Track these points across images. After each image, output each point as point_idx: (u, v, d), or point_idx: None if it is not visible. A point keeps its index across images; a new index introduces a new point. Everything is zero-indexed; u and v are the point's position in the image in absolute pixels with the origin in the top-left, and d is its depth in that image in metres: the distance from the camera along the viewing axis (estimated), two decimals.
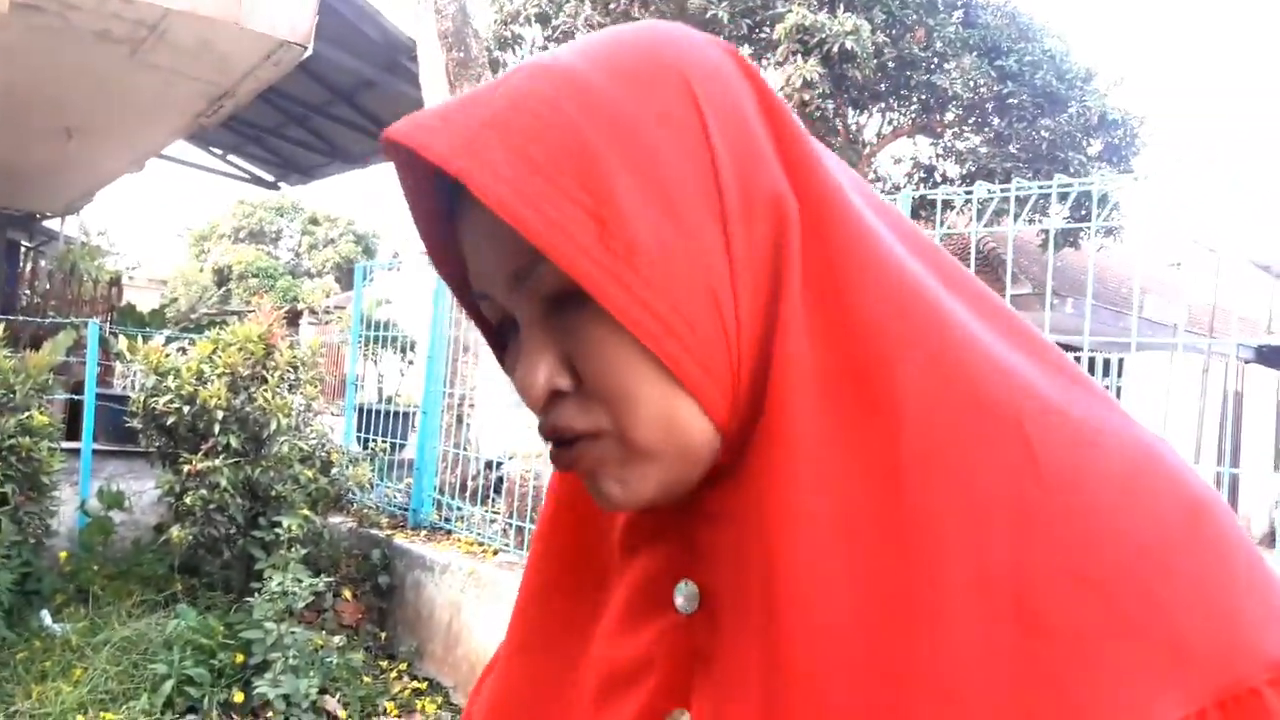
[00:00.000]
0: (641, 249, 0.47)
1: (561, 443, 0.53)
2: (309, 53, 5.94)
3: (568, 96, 0.48)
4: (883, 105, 11.75)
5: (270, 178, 11.71)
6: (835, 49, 9.48)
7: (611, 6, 10.42)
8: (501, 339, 0.58)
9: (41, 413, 4.62)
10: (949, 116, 12.05)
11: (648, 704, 0.54)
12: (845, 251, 0.49)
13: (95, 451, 5.93)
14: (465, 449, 6.04)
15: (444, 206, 0.56)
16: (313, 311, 19.19)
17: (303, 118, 9.46)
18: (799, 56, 9.75)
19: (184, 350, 5.28)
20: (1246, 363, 12.45)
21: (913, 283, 0.49)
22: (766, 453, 0.49)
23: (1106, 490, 0.45)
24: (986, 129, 12.19)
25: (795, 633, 0.47)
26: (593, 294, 0.46)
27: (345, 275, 24.22)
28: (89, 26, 5.75)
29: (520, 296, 0.52)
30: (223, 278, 23.73)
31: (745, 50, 11.30)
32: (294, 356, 5.15)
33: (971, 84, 11.04)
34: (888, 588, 0.45)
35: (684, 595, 0.54)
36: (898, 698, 0.44)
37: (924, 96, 11.28)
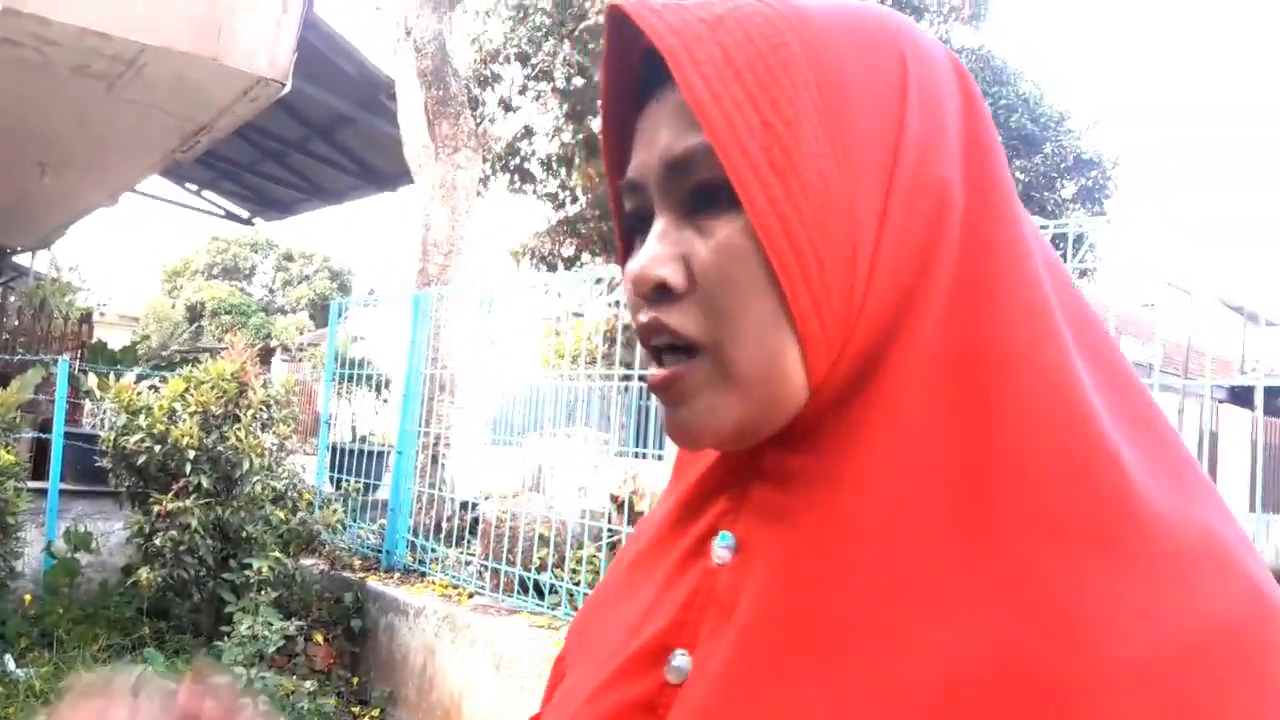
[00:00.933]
0: (800, 174, 0.48)
1: (658, 352, 0.53)
2: (287, 89, 5.93)
3: (787, 22, 0.50)
4: None
5: (245, 214, 11.65)
6: None
7: (590, 47, 10.49)
8: (630, 243, 0.58)
9: (8, 451, 4.52)
10: None
11: (653, 640, 0.55)
12: (1002, 259, 0.50)
13: (62, 491, 5.81)
14: (440, 489, 5.97)
15: (634, 96, 0.57)
16: (286, 349, 19.06)
17: (279, 154, 9.43)
18: None
19: (155, 388, 5.20)
20: (1220, 402, 12.59)
21: (1051, 315, 0.50)
22: (861, 427, 0.49)
23: (1204, 565, 0.44)
24: None
25: (832, 608, 0.47)
26: (739, 191, 0.47)
27: (320, 312, 24.13)
28: (66, 61, 5.72)
29: (669, 184, 0.53)
30: (195, 314, 23.57)
31: None
32: (267, 395, 5.08)
33: None
34: (937, 584, 0.45)
35: (722, 545, 0.54)
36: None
37: None
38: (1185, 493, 0.48)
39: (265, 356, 17.33)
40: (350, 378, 7.13)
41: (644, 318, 0.53)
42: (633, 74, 0.57)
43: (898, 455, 0.48)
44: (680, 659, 0.53)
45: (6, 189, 8.26)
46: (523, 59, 10.98)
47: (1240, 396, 12.37)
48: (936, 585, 0.45)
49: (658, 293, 0.52)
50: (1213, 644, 0.42)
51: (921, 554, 0.46)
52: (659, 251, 0.52)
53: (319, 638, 4.95)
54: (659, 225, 0.53)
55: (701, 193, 0.51)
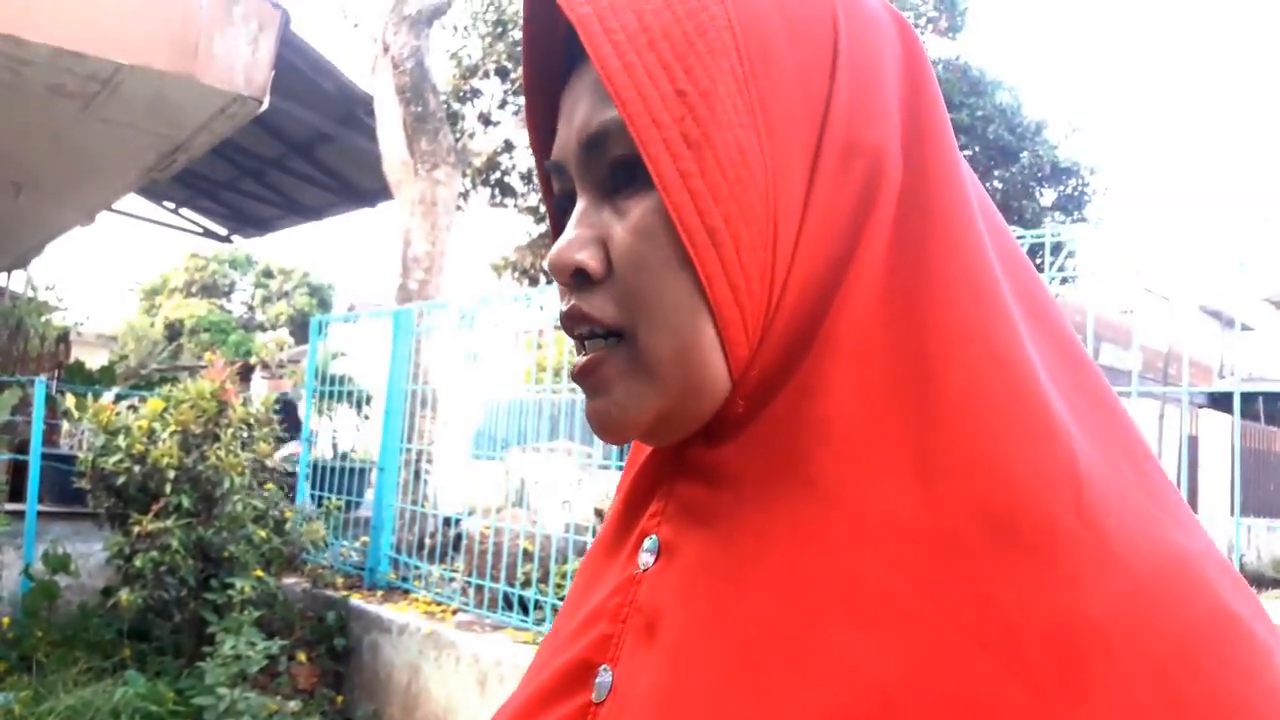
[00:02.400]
0: (715, 146, 0.45)
1: (581, 340, 0.51)
2: (264, 107, 5.91)
3: None
4: None
5: (223, 231, 11.59)
6: None
7: None
8: (561, 223, 0.55)
9: None
10: None
11: (579, 657, 0.51)
12: (944, 229, 0.46)
13: (40, 513, 5.75)
14: (423, 505, 5.94)
15: (558, 73, 0.54)
16: (266, 366, 18.94)
17: (257, 171, 9.40)
18: None
19: (134, 408, 5.16)
20: (1200, 407, 12.69)
21: (998, 291, 0.46)
22: (788, 419, 0.45)
23: (1164, 581, 0.40)
24: None
25: (755, 619, 0.43)
26: (649, 168, 0.45)
27: (300, 328, 24.01)
28: (41, 81, 5.69)
29: (587, 162, 0.50)
30: (174, 332, 23.42)
31: None
32: (247, 413, 5.05)
33: None
34: (872, 593, 0.41)
35: (647, 550, 0.51)
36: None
37: None
38: (1143, 483, 0.44)
39: (245, 374, 17.23)
40: (331, 394, 7.10)
41: (565, 306, 0.51)
42: (558, 51, 0.55)
43: (825, 449, 0.44)
44: (603, 675, 0.49)
45: None
46: (502, 74, 10.99)
47: (1219, 402, 12.46)
48: (871, 594, 0.41)
49: (577, 279, 0.49)
50: (1169, 663, 0.37)
51: (854, 560, 0.42)
52: (576, 235, 0.50)
53: (302, 657, 4.91)
54: (579, 207, 0.51)
55: (619, 170, 0.49)
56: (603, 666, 0.50)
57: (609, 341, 0.49)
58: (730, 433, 0.48)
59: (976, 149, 11.66)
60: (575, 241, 0.49)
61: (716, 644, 0.44)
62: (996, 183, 12.22)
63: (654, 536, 0.51)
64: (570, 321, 0.50)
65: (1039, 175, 12.45)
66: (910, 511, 0.42)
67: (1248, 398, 13.15)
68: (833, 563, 0.42)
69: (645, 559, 0.51)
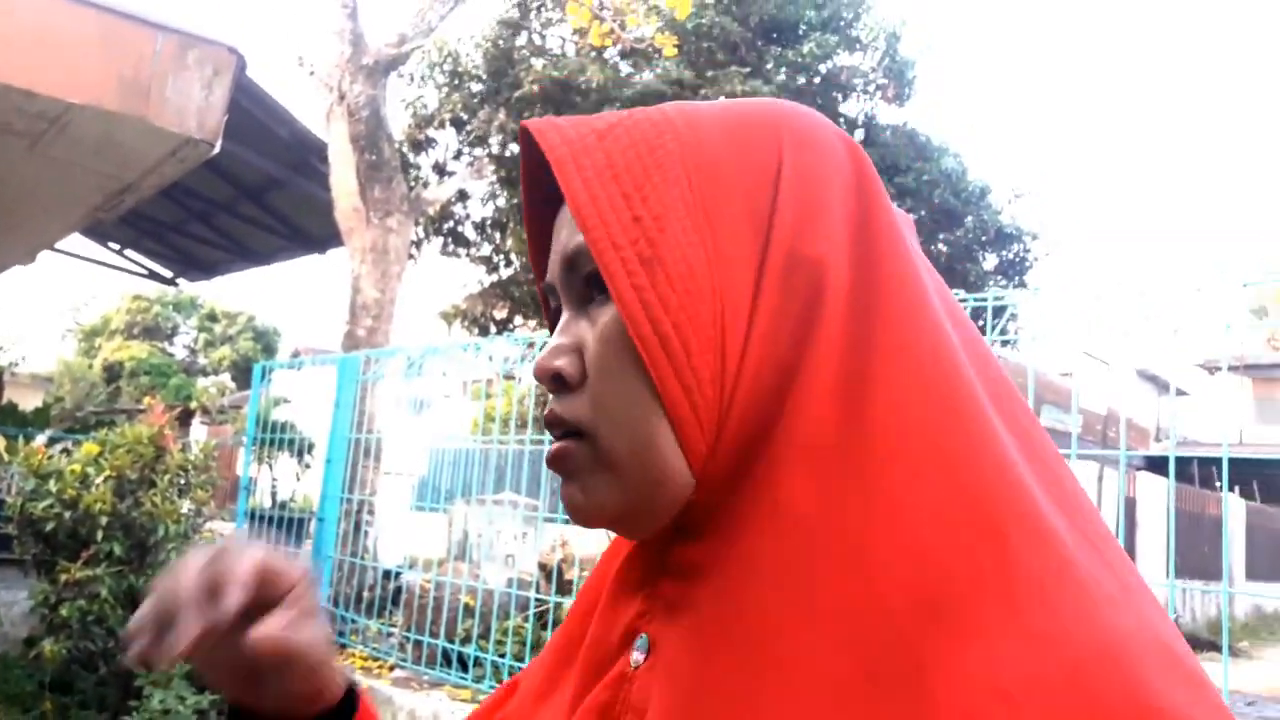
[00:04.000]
0: (666, 263, 0.50)
1: (551, 429, 0.55)
2: (216, 150, 5.87)
3: (671, 125, 0.54)
4: None
5: (168, 273, 11.43)
6: None
7: (525, 114, 10.61)
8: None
9: None
10: None
11: None
12: (896, 331, 0.50)
13: None
14: (363, 558, 5.84)
15: (553, 207, 0.60)
16: (205, 411, 18.60)
17: (206, 214, 9.31)
18: None
19: (68, 451, 5.03)
20: (1138, 470, 12.93)
21: (953, 389, 0.49)
22: (748, 514, 0.49)
23: (1075, 647, 0.42)
24: None
25: (735, 709, 0.46)
26: (606, 281, 0.50)
27: (242, 374, 23.65)
28: None
29: (569, 281, 0.56)
30: (113, 374, 22.95)
31: None
32: (185, 459, 4.94)
33: None
34: (823, 672, 0.44)
35: (638, 648, 0.53)
36: None
37: None
38: (1098, 559, 0.46)
39: (185, 419, 16.93)
40: (272, 442, 6.98)
41: (546, 410, 0.56)
42: (549, 186, 0.60)
43: (783, 542, 0.47)
44: None
45: None
46: (457, 124, 11.06)
47: (1156, 465, 12.71)
48: (822, 677, 0.44)
49: (556, 383, 0.54)
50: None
51: (807, 644, 0.45)
52: (556, 344, 0.55)
53: None
54: (563, 319, 0.57)
55: (592, 284, 0.54)
56: None
57: (577, 438, 0.54)
58: (700, 529, 0.51)
59: (923, 212, 11.91)
60: (554, 350, 0.55)
61: None
62: (942, 246, 12.48)
63: (644, 636, 0.53)
64: (549, 423, 0.55)
65: (982, 239, 12.74)
66: (855, 599, 0.45)
67: (1183, 461, 13.44)
68: (788, 648, 0.45)
69: (636, 657, 0.53)
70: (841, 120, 12.34)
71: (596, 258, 0.51)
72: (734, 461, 0.50)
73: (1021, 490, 0.47)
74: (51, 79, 5.28)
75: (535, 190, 0.62)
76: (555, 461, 0.55)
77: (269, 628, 0.56)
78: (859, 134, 12.36)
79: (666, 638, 0.51)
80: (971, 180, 12.58)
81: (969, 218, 12.41)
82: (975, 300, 4.26)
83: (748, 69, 10.98)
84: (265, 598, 0.57)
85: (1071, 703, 0.40)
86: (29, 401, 9.99)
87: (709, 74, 10.89)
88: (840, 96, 12.47)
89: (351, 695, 0.68)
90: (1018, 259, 13.08)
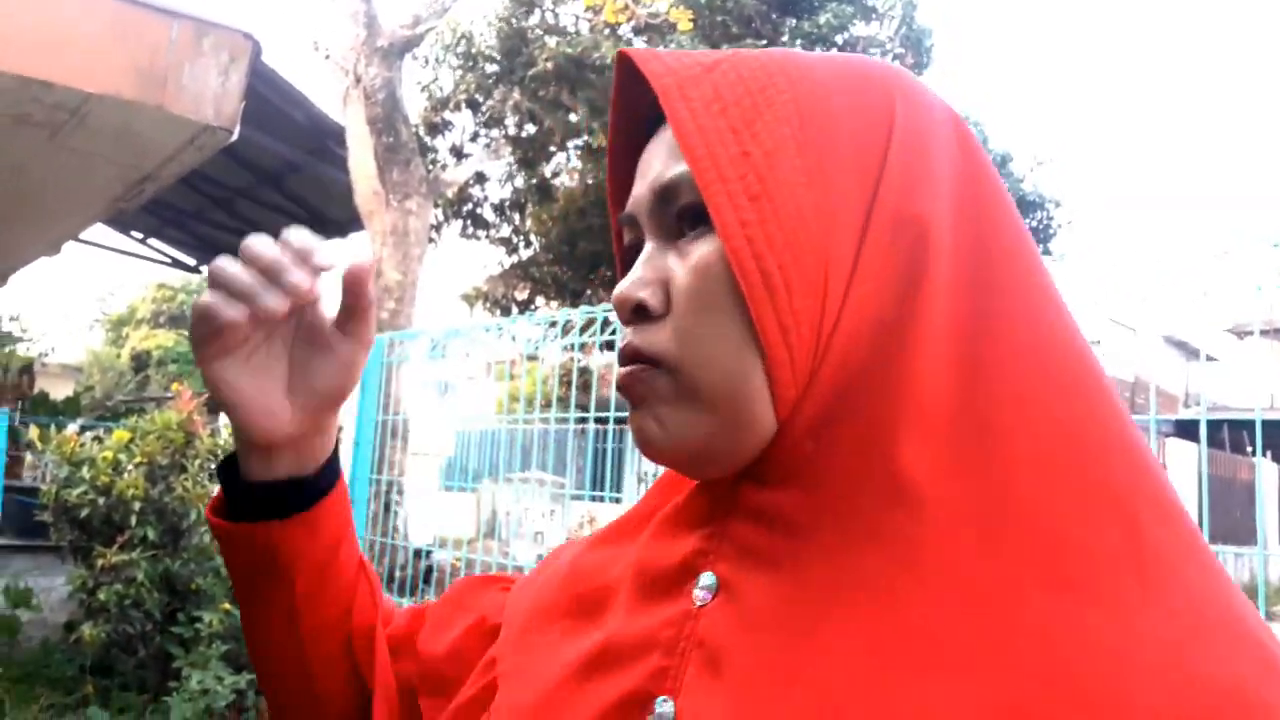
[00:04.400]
0: (774, 200, 0.49)
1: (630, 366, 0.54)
2: (234, 137, 5.88)
3: (779, 65, 0.53)
4: None
5: (192, 261, 11.51)
6: None
7: (540, 94, 10.58)
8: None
9: None
10: None
11: (636, 687, 0.52)
12: (1007, 302, 0.50)
13: (2, 547, 5.66)
14: (392, 538, 5.88)
15: (640, 139, 0.59)
16: None
17: (226, 201, 9.35)
18: None
19: (99, 439, 5.10)
20: (1167, 436, 12.84)
21: (1066, 365, 0.49)
22: (853, 474, 0.48)
23: (1216, 629, 0.43)
24: None
25: (825, 661, 0.45)
26: (711, 213, 0.49)
27: None
28: (7, 111, 5.64)
29: (658, 213, 0.55)
30: (141, 363, 23.16)
31: None
32: (215, 444, 5.00)
33: None
34: (936, 638, 0.44)
35: (703, 586, 0.52)
36: None
37: None
38: (1196, 559, 0.46)
39: (214, 406, 17.09)
40: None
41: (624, 342, 0.54)
42: (639, 119, 0.60)
43: (895, 507, 0.46)
44: (664, 706, 0.50)
45: None
46: (473, 106, 11.04)
47: (1186, 430, 12.62)
48: (935, 639, 0.44)
49: (637, 315, 0.53)
50: (1222, 707, 0.40)
51: (926, 619, 0.44)
52: (640, 275, 0.54)
53: None
54: (646, 251, 0.55)
55: (685, 217, 0.53)
56: (661, 698, 0.51)
57: (654, 368, 0.52)
58: (783, 476, 0.50)
59: None
60: (638, 280, 0.54)
61: (789, 688, 0.46)
62: None
63: (710, 574, 0.52)
64: (625, 355, 0.54)
65: None
66: (977, 570, 0.45)
67: (1213, 426, 13.32)
68: (906, 622, 0.45)
69: (701, 595, 0.52)
70: None
71: (703, 189, 0.49)
72: (825, 412, 0.49)
73: (1147, 467, 0.48)
74: (69, 69, 5.31)
75: (625, 122, 0.62)
76: (629, 385, 0.54)
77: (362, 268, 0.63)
78: None
79: (742, 581, 0.50)
80: (992, 149, 12.47)
81: None
82: None
83: (763, 41, 10.90)
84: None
85: (1215, 687, 0.40)
86: (60, 391, 10.12)
87: (724, 48, 10.82)
88: None
89: (331, 471, 0.71)
90: (1041, 227, 12.97)
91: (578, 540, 0.69)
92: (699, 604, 0.52)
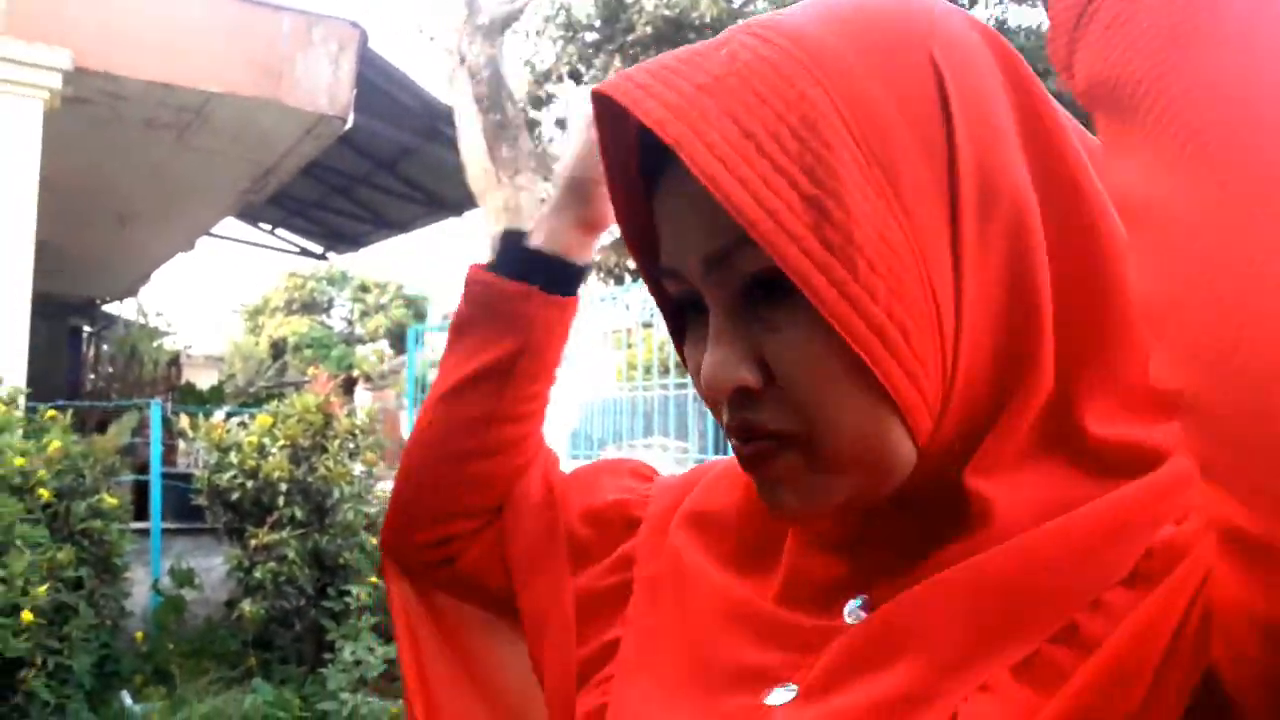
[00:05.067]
0: (860, 243, 0.43)
1: (748, 439, 0.50)
2: (348, 125, 6.06)
3: (799, 65, 0.44)
4: None
5: (318, 249, 11.92)
6: None
7: (641, 58, 10.53)
8: (680, 320, 0.55)
9: (110, 495, 4.68)
10: None
11: (768, 665, 0.51)
12: (1113, 257, 0.46)
13: (163, 530, 6.00)
14: None
15: (639, 179, 0.54)
16: (368, 378, 19.41)
17: (346, 188, 9.64)
18: None
19: (244, 424, 5.34)
20: None
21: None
22: (1009, 504, 0.46)
23: None
24: None
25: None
26: (801, 287, 0.43)
27: (398, 340, 24.53)
28: (136, 115, 5.93)
29: (715, 280, 0.49)
30: (278, 350, 24.11)
31: None
32: (353, 424, 5.18)
33: None
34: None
35: (852, 609, 0.50)
36: None
37: None
38: None
39: (349, 386, 17.70)
40: None
41: (729, 420, 0.50)
42: (631, 146, 0.54)
43: (1063, 537, 0.44)
44: (786, 693, 0.49)
45: (90, 242, 8.59)
46: (575, 77, 11.07)
47: None
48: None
49: (741, 395, 0.48)
50: None
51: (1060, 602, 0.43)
52: (727, 354, 0.48)
53: None
54: (716, 322, 0.49)
55: (756, 284, 0.47)
56: (789, 685, 0.50)
57: (785, 444, 0.49)
58: (929, 505, 0.49)
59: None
60: (729, 361, 0.48)
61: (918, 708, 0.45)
62: None
63: (863, 598, 0.50)
64: (741, 434, 0.50)
65: None
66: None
67: None
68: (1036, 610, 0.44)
69: (852, 616, 0.50)
70: None
71: (775, 256, 0.43)
72: (962, 432, 0.47)
73: None
74: (188, 71, 5.54)
75: (619, 158, 0.54)
76: (758, 466, 0.50)
77: None
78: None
79: (900, 615, 0.47)
80: None
81: None
82: None
83: None
84: None
85: None
86: (203, 380, 10.63)
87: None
88: (967, 2, 11.92)
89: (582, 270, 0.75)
90: None
91: (722, 465, 0.66)
92: (850, 620, 0.50)
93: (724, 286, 0.48)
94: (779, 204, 0.42)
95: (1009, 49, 0.49)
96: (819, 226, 0.43)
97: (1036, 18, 12.21)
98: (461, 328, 0.75)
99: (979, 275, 0.45)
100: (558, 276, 0.72)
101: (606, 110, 0.51)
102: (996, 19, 12.29)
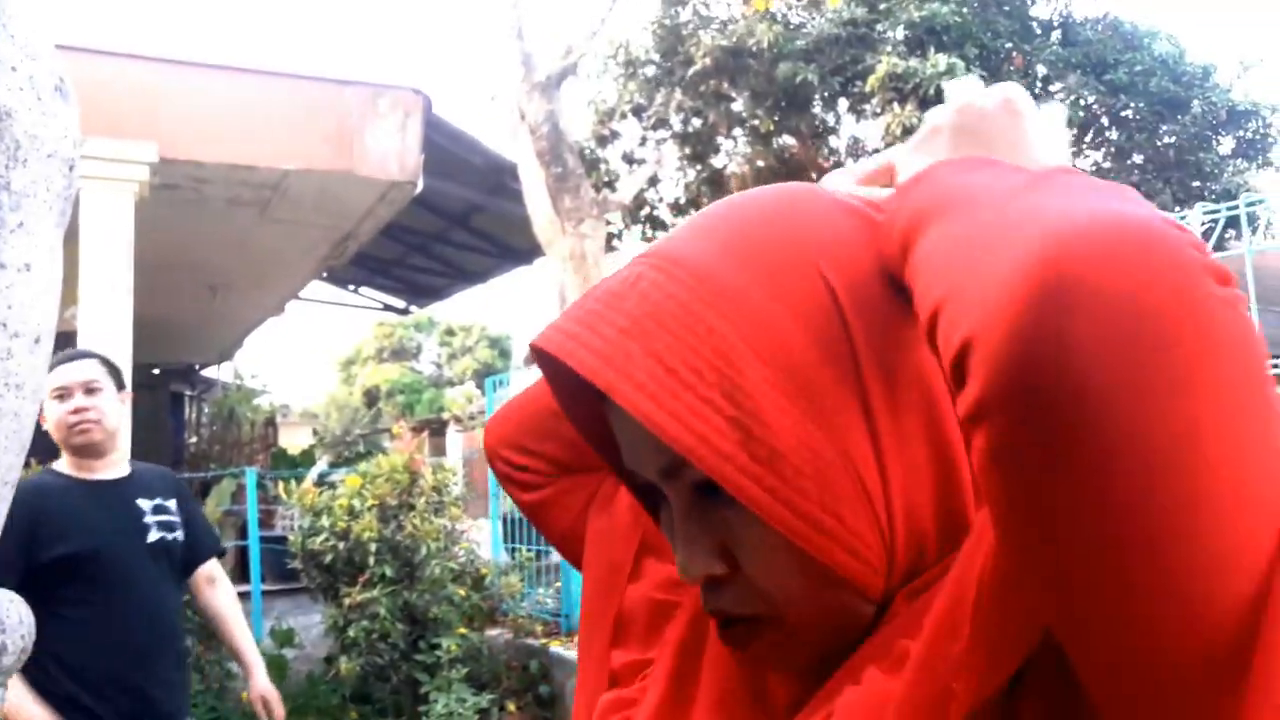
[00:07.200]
0: (784, 453, 0.47)
1: (725, 621, 0.56)
2: (419, 188, 6.28)
3: (702, 300, 0.50)
4: None
5: (400, 304, 12.25)
6: (931, 91, 9.43)
7: (701, 89, 10.64)
8: (652, 501, 0.61)
9: None
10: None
11: None
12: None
13: (264, 592, 6.24)
14: None
15: (591, 392, 0.58)
16: (458, 419, 19.77)
17: (422, 246, 9.91)
18: (895, 104, 9.74)
19: (333, 485, 5.54)
20: None
21: None
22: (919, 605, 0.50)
23: None
24: (1105, 144, 11.81)
25: None
26: (739, 498, 0.47)
27: (485, 379, 24.91)
28: (220, 195, 6.24)
29: (672, 486, 0.55)
30: (372, 398, 24.68)
31: (841, 105, 11.33)
32: (437, 480, 5.33)
33: (1080, 103, 10.75)
34: None
35: None
36: None
37: None
38: None
39: (440, 429, 18.04)
40: None
41: (704, 604, 0.57)
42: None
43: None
44: None
45: (185, 311, 9.00)
46: (637, 112, 11.22)
47: None
48: None
49: (711, 583, 0.55)
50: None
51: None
52: (692, 550, 0.54)
53: (511, 707, 5.13)
54: (679, 514, 0.55)
55: (705, 486, 0.53)
56: None
57: (749, 621, 0.55)
58: (888, 633, 0.52)
59: (1140, 105, 11.05)
60: (695, 557, 0.54)
61: None
62: (1167, 137, 11.53)
63: None
64: (715, 613, 0.56)
65: (1214, 123, 11.64)
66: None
67: None
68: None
69: None
70: (1034, 24, 11.63)
71: (715, 477, 0.47)
72: (911, 567, 0.51)
73: None
74: (265, 151, 5.83)
75: (565, 384, 0.61)
76: (738, 644, 0.56)
77: None
78: (1055, 35, 11.60)
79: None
80: (1190, 62, 11.54)
81: (1195, 102, 11.37)
82: (1227, 210, 3.83)
83: None
84: None
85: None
86: (299, 437, 10.99)
87: (881, 6, 10.54)
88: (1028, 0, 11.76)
89: None
90: (1257, 137, 11.86)
91: None
92: None
93: (678, 491, 0.55)
94: (707, 429, 0.47)
95: (882, 228, 0.52)
96: (746, 443, 0.47)
97: (1101, 8, 11.97)
98: None
99: (900, 456, 0.50)
100: None
101: (544, 358, 0.58)
102: (1061, 13, 12.09)
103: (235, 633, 2.84)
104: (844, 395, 0.49)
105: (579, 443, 0.72)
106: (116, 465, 2.60)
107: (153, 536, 2.53)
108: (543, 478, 0.86)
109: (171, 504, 2.63)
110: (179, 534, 2.61)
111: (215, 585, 2.83)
